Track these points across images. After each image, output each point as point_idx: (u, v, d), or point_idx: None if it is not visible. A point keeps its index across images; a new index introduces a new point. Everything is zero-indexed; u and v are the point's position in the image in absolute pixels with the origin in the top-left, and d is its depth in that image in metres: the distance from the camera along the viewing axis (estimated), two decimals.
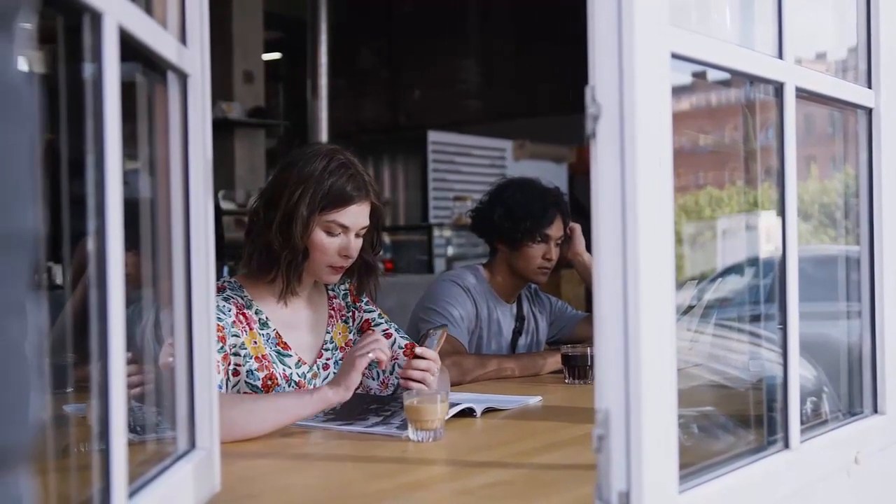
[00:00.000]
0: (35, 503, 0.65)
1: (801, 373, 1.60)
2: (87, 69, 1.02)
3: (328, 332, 2.38)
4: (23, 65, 0.61)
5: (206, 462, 1.40)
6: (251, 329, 2.22)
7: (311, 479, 1.70)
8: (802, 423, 1.58)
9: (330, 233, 2.21)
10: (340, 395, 2.00)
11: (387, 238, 7.99)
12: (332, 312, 2.41)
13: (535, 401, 2.40)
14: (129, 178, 1.11)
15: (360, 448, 1.86)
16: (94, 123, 1.01)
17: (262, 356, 2.21)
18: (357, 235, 2.25)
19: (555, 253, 3.07)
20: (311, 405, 1.99)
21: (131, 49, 1.12)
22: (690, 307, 2.30)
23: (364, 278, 2.37)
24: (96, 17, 1.00)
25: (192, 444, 1.39)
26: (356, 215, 2.23)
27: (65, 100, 1.04)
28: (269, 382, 2.20)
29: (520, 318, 3.20)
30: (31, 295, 0.61)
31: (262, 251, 2.23)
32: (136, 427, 1.39)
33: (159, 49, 1.23)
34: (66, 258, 1.19)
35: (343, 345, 2.39)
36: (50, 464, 1.15)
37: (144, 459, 1.31)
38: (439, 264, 7.63)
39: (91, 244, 1.02)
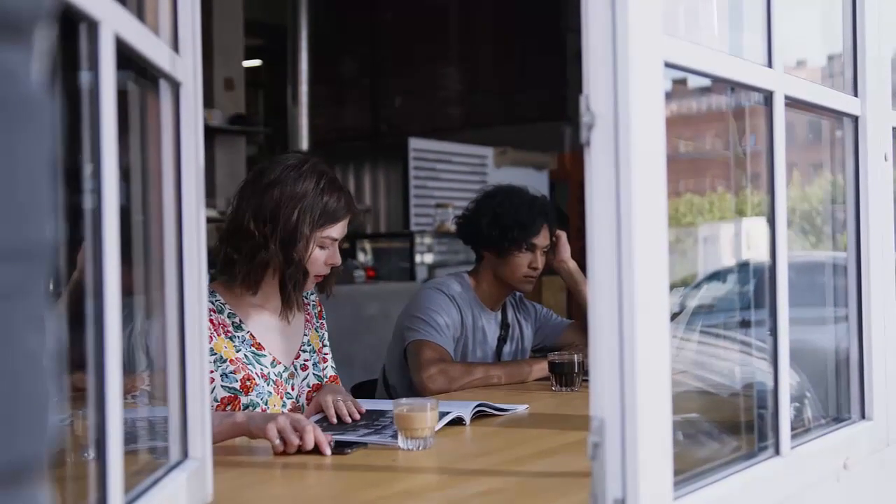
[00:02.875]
0: None
1: None
2: (83, 77, 1.01)
3: (305, 335, 2.45)
4: (40, 76, 0.61)
5: (198, 472, 1.39)
6: (220, 335, 2.26)
7: (303, 488, 1.70)
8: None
9: (322, 247, 2.30)
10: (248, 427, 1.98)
11: (368, 245, 7.98)
12: (308, 317, 2.48)
13: (522, 409, 2.40)
14: (119, 186, 1.10)
15: (351, 457, 1.85)
16: (91, 131, 1.01)
17: (236, 359, 2.25)
18: (339, 244, 2.36)
19: (541, 262, 3.07)
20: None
21: (125, 57, 1.11)
22: (675, 314, 2.31)
23: (329, 276, 2.41)
24: (93, 26, 0.99)
25: (185, 455, 1.38)
26: (344, 227, 2.34)
27: (59, 108, 1.03)
28: (248, 383, 2.25)
29: (505, 326, 3.20)
30: (48, 306, 0.61)
31: (260, 268, 2.27)
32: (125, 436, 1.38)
33: (153, 57, 1.22)
34: (62, 268, 1.19)
35: (318, 348, 2.47)
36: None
37: (137, 470, 1.30)
38: (421, 272, 7.61)
39: (87, 253, 1.01)
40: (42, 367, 0.59)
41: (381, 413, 2.22)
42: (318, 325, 2.52)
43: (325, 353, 2.53)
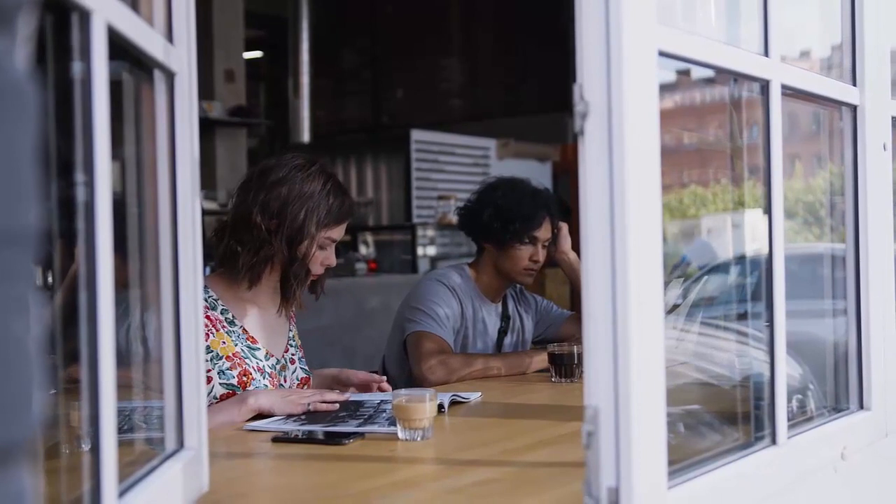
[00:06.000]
0: (37, 498, 0.65)
1: (786, 371, 1.61)
2: (76, 67, 1.01)
3: (291, 331, 2.50)
4: (24, 62, 0.61)
5: (194, 462, 1.39)
6: (218, 330, 2.28)
7: (300, 478, 1.70)
8: (789, 419, 1.59)
9: (321, 247, 2.35)
10: (258, 404, 2.14)
11: (370, 238, 7.98)
12: (292, 314, 2.53)
13: (475, 396, 2.42)
14: (113, 179, 1.10)
15: (348, 448, 1.85)
16: (83, 122, 1.01)
17: (233, 354, 2.29)
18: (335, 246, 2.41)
19: (542, 255, 3.07)
20: (239, 417, 2.12)
21: (118, 47, 1.11)
22: (676, 306, 2.30)
23: (321, 276, 2.44)
24: (85, 16, 0.99)
25: (181, 444, 1.39)
26: (343, 230, 2.40)
27: (51, 98, 1.03)
28: (245, 378, 2.28)
29: (505, 318, 3.20)
30: (33, 291, 0.61)
31: (263, 262, 2.31)
32: (122, 427, 1.38)
33: (147, 48, 1.22)
34: (56, 260, 1.19)
35: (300, 344, 2.54)
36: (38, 464, 1.15)
37: (132, 460, 1.31)
38: (423, 264, 7.62)
39: (80, 245, 1.01)
40: (27, 351, 0.60)
41: (360, 403, 2.23)
42: (295, 322, 2.57)
43: (300, 356, 2.57)
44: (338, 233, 2.37)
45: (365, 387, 2.46)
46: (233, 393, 2.23)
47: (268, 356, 2.36)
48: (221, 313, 2.32)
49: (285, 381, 2.39)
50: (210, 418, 2.04)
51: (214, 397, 2.22)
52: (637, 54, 1.19)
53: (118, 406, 1.08)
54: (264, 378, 2.31)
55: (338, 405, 2.18)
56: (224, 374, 2.25)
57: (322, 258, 2.36)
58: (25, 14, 0.61)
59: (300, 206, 2.28)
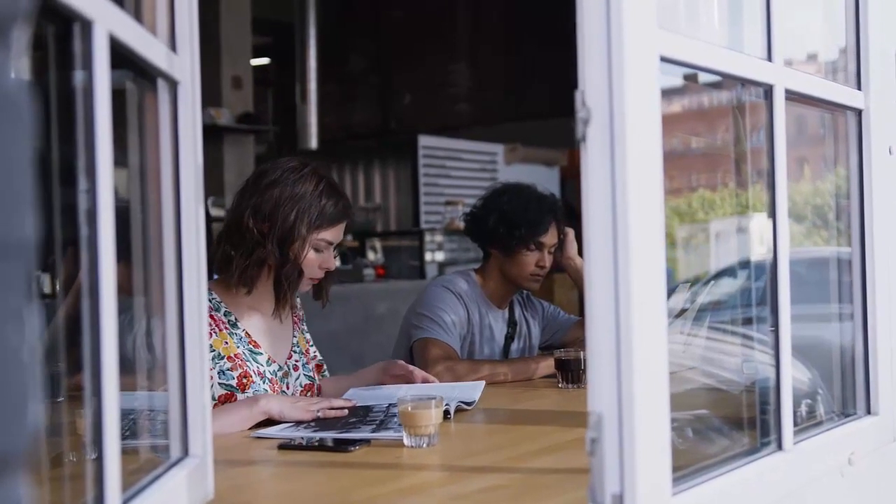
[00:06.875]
0: None
1: (795, 375, 1.60)
2: (78, 77, 1.02)
3: (294, 337, 2.50)
4: (20, 73, 0.61)
5: (199, 470, 1.39)
6: (221, 331, 2.30)
7: (305, 486, 1.70)
8: (797, 424, 1.58)
9: (317, 249, 2.34)
10: (268, 408, 2.12)
11: (378, 243, 7.98)
12: (296, 320, 2.53)
13: (479, 387, 2.45)
14: (118, 186, 1.11)
15: (354, 455, 1.85)
16: (85, 131, 1.01)
17: (235, 355, 2.29)
18: (334, 249, 2.40)
19: (548, 260, 3.06)
20: (249, 420, 2.11)
21: (121, 56, 1.12)
22: (683, 310, 2.30)
23: (324, 281, 2.45)
24: (87, 25, 1.00)
25: (186, 452, 1.39)
26: (339, 232, 2.38)
27: (54, 107, 1.04)
28: (244, 380, 2.28)
29: (512, 324, 3.19)
30: (29, 302, 0.61)
31: (256, 265, 2.31)
32: (126, 433, 1.38)
33: (149, 56, 1.23)
34: (59, 267, 1.19)
35: (305, 350, 2.52)
36: (43, 473, 1.15)
37: (137, 467, 1.31)
38: (431, 270, 7.61)
39: (82, 253, 1.02)
40: (22, 363, 0.60)
41: (369, 409, 2.23)
42: (303, 328, 2.57)
43: (314, 353, 2.57)
44: (332, 235, 2.35)
45: (405, 377, 2.50)
46: (232, 394, 2.24)
47: (270, 362, 2.36)
48: (224, 315, 2.33)
49: (287, 387, 2.39)
50: (219, 418, 2.04)
51: (213, 397, 2.22)
52: (638, 60, 1.19)
53: (122, 410, 1.08)
54: (264, 382, 2.31)
55: (346, 412, 2.18)
56: (224, 374, 2.25)
57: (319, 261, 2.35)
58: (21, 25, 0.61)
59: (291, 207, 2.28)
